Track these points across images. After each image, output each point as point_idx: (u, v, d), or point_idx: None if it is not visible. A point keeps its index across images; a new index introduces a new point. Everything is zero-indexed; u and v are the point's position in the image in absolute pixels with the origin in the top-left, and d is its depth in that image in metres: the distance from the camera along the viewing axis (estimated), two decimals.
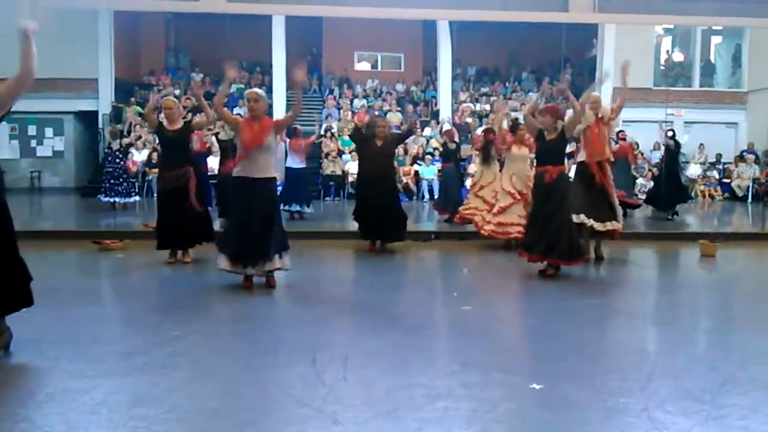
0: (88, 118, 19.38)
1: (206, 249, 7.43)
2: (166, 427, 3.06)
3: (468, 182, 10.36)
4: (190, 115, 18.91)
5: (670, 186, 12.91)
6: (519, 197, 8.41)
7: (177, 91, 20.57)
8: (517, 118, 12.72)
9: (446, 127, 14.88)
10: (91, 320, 4.88)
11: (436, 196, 14.54)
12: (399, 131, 12.08)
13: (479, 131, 11.16)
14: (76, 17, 17.98)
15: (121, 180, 13.35)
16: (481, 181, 9.81)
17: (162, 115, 7.51)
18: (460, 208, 10.15)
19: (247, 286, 6.03)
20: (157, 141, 7.34)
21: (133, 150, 16.49)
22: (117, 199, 13.24)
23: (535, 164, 6.74)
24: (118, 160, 13.48)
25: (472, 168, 10.08)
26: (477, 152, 10.36)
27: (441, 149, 12.77)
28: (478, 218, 9.15)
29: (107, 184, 13.33)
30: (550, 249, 6.50)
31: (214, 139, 12.22)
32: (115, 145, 13.74)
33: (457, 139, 12.35)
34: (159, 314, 5.24)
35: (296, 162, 11.77)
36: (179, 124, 7.30)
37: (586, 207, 7.36)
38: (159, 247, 7.36)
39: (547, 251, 6.52)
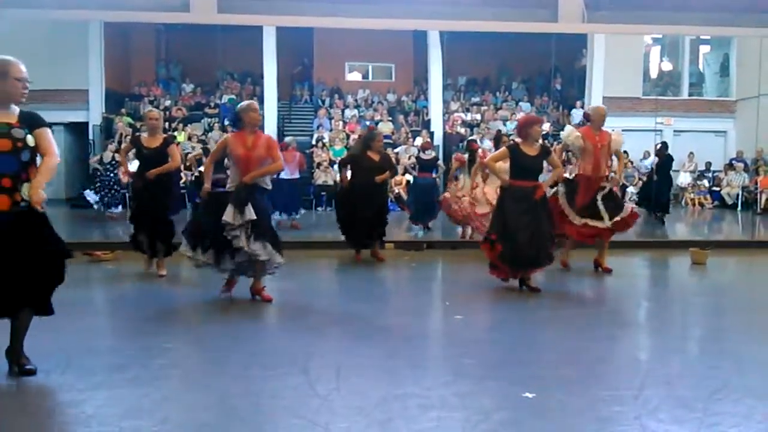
0: (78, 130, 19.33)
1: (187, 262, 7.35)
2: None
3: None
4: (181, 125, 19.02)
5: (657, 193, 13.31)
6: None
7: (168, 102, 20.58)
8: (499, 130, 12.84)
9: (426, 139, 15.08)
10: (82, 332, 4.85)
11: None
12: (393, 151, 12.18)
13: (460, 153, 11.29)
14: (67, 28, 17.95)
15: (113, 191, 13.39)
16: (463, 190, 9.92)
17: (144, 128, 7.45)
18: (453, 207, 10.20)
19: (227, 289, 6.03)
20: (135, 154, 7.29)
21: None
22: (112, 210, 13.28)
23: (513, 178, 6.55)
24: (108, 172, 13.50)
25: (461, 179, 10.18)
26: (460, 165, 10.42)
27: (415, 160, 12.78)
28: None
29: (103, 195, 13.41)
30: (534, 261, 6.48)
31: (200, 150, 12.24)
32: (107, 157, 13.70)
33: (433, 150, 12.44)
34: (150, 326, 5.21)
35: (288, 173, 11.76)
36: (159, 141, 7.16)
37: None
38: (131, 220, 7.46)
39: (532, 264, 6.50)
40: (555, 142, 17.94)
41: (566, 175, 7.82)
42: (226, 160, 6.47)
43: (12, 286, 3.68)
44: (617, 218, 7.39)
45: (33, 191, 3.72)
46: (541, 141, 6.70)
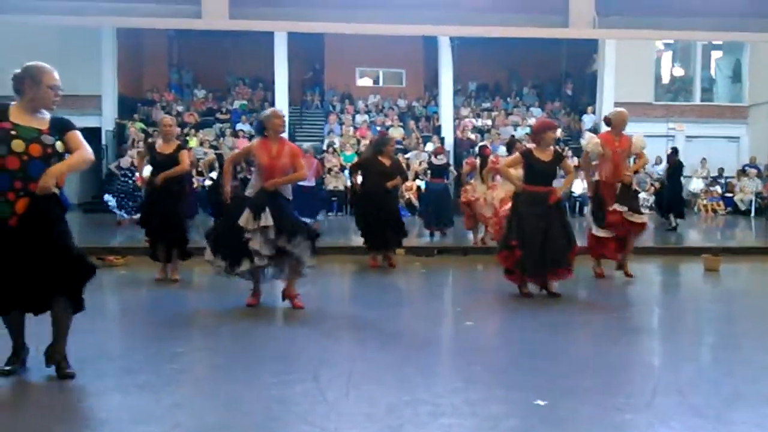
0: (91, 135, 19.40)
1: (203, 266, 7.36)
2: None
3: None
4: (192, 131, 19.09)
5: (669, 199, 13.35)
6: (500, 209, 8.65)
7: (180, 108, 20.69)
8: (513, 136, 12.83)
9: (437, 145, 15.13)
10: (94, 337, 4.86)
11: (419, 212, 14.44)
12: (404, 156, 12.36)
13: (471, 158, 11.31)
14: (79, 34, 18.09)
15: (133, 196, 13.44)
16: (476, 193, 9.90)
17: (158, 134, 7.51)
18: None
19: (252, 303, 5.97)
20: (149, 160, 7.34)
21: None
22: (131, 215, 13.34)
23: (527, 183, 6.51)
24: (126, 178, 13.55)
25: (473, 184, 10.17)
26: (472, 170, 10.40)
27: (428, 165, 12.83)
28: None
29: (123, 202, 13.47)
30: (551, 266, 6.46)
31: (213, 155, 12.26)
32: (125, 163, 13.77)
33: (445, 155, 12.47)
34: (162, 330, 5.22)
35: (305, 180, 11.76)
36: (172, 147, 7.19)
37: None
38: (146, 234, 7.45)
39: (551, 268, 6.46)
40: (566, 148, 17.91)
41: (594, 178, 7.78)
42: (237, 167, 6.49)
43: (40, 281, 3.73)
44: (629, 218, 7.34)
45: (46, 176, 3.69)
46: (553, 147, 6.69)
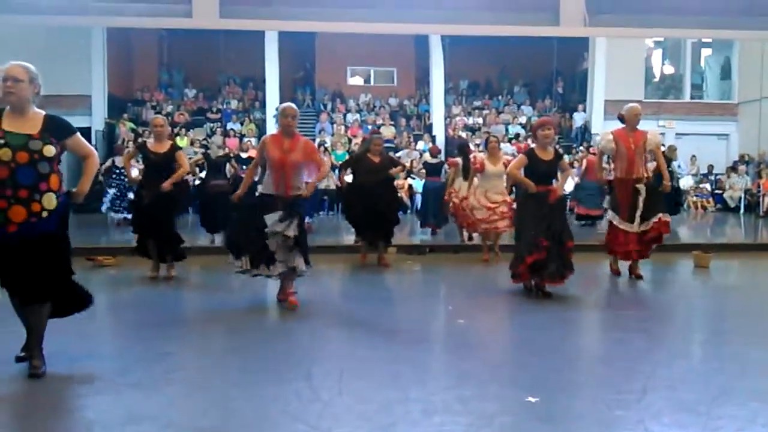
0: (81, 135, 19.34)
1: (194, 265, 7.37)
2: None
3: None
4: (183, 131, 19.02)
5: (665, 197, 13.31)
6: (493, 206, 8.72)
7: (170, 107, 20.61)
8: (490, 134, 12.85)
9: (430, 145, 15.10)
10: (85, 336, 4.85)
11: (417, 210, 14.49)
12: (394, 155, 12.45)
13: (452, 159, 11.31)
14: (69, 34, 18.01)
15: (127, 195, 13.31)
16: (460, 193, 9.89)
17: (150, 134, 7.53)
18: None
19: (282, 299, 5.97)
20: (142, 159, 7.37)
21: None
22: (126, 215, 13.21)
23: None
24: (121, 177, 13.44)
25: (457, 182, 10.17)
26: (454, 169, 10.40)
27: (423, 165, 12.91)
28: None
29: (117, 202, 13.35)
30: (563, 268, 6.42)
31: (201, 156, 12.15)
32: (120, 162, 13.69)
33: (440, 155, 12.49)
34: (153, 330, 5.20)
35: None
36: (165, 146, 7.21)
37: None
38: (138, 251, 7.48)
39: (558, 272, 6.41)
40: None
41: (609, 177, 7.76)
42: (228, 166, 6.46)
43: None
44: (645, 226, 7.26)
45: (80, 192, 4.01)
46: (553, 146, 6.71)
